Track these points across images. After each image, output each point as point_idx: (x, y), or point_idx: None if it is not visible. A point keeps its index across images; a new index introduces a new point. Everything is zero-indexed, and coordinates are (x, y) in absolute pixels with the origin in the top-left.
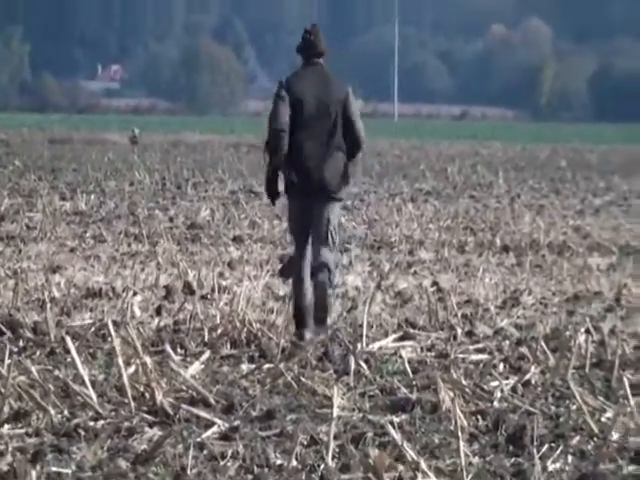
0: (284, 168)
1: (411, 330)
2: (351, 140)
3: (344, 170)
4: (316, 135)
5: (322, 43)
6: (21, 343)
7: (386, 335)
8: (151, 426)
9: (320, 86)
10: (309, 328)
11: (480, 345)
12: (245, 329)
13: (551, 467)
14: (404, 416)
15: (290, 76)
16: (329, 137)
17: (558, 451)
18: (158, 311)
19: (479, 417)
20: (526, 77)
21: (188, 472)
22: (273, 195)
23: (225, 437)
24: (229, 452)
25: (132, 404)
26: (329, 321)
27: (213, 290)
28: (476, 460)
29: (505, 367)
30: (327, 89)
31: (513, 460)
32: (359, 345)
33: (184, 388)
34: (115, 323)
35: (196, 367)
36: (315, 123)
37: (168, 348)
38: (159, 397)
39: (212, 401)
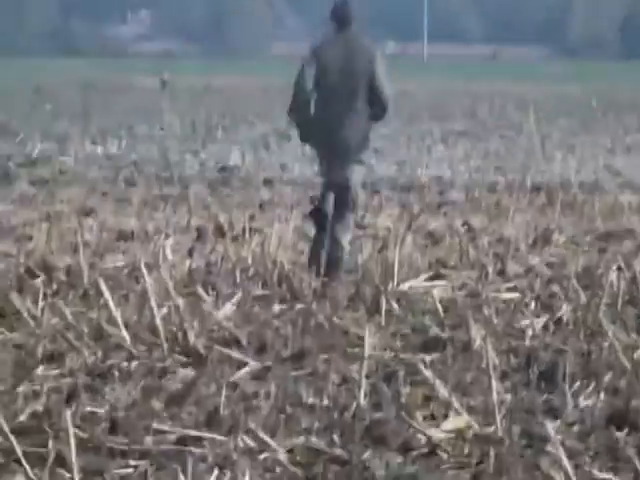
0: (310, 132)
1: (442, 270)
2: (378, 106)
3: (365, 134)
4: (339, 101)
5: (353, 10)
6: (54, 286)
7: (417, 275)
8: (184, 367)
9: (347, 54)
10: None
11: (511, 284)
12: (276, 270)
13: (583, 404)
14: (436, 355)
15: (319, 43)
16: (352, 103)
17: (590, 388)
18: (190, 253)
19: (511, 355)
20: (557, 15)
21: (221, 412)
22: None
23: (257, 377)
24: (262, 392)
25: (165, 345)
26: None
27: (244, 232)
28: (508, 398)
29: (536, 305)
30: (353, 57)
31: (545, 397)
32: (390, 285)
33: (216, 329)
34: (147, 265)
35: (228, 308)
36: (339, 89)
37: (200, 290)
38: (192, 338)
39: (244, 342)
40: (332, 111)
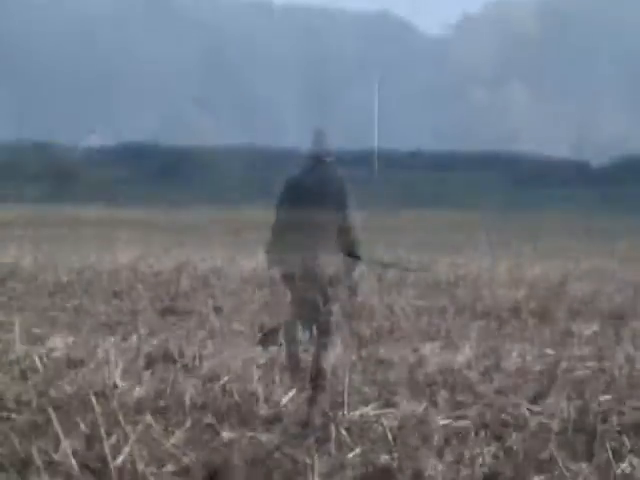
0: (283, 262)
1: (392, 397)
2: (348, 243)
3: (339, 265)
4: (312, 231)
5: (327, 142)
6: (3, 414)
7: (367, 403)
8: None
9: (318, 186)
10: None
11: (461, 412)
12: (226, 397)
13: None
14: None
15: (293, 175)
16: (325, 234)
17: None
18: (140, 380)
19: None
20: (506, 141)
21: None
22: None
23: None
24: None
25: (114, 474)
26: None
27: (194, 359)
28: None
29: (486, 434)
30: (325, 189)
31: None
32: (340, 413)
33: (166, 457)
34: (97, 393)
35: (178, 436)
36: (311, 220)
37: (149, 417)
38: (141, 467)
39: (194, 470)
40: (304, 241)
